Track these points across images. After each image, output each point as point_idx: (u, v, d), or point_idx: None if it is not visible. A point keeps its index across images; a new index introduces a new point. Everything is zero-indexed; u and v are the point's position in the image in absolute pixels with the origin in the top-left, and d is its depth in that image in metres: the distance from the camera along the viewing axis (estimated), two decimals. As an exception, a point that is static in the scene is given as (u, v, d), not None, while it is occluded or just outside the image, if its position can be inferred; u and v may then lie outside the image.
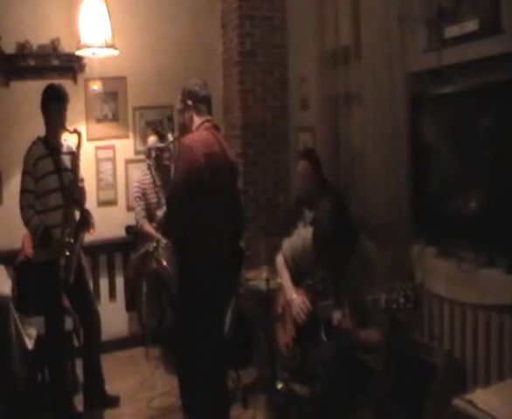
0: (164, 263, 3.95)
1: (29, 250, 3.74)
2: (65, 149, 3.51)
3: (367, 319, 2.58)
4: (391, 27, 3.13)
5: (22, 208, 3.33)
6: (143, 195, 4.32)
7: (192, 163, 2.80)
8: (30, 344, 3.41)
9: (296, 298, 2.83)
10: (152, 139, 4.33)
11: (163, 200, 3.95)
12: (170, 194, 2.94)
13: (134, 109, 4.71)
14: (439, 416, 2.67)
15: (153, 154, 4.19)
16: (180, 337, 3.11)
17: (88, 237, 3.66)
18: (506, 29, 2.52)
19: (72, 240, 3.36)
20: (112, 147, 4.66)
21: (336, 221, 2.60)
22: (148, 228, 4.22)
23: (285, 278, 2.98)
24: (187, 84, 3.03)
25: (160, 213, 4.05)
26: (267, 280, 3.50)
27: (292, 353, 2.87)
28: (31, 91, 4.06)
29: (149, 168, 4.25)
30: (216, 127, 3.05)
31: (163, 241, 3.94)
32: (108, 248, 4.62)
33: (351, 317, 2.52)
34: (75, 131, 3.43)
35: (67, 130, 3.44)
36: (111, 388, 3.75)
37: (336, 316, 2.54)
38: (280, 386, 3.06)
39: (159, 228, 4.03)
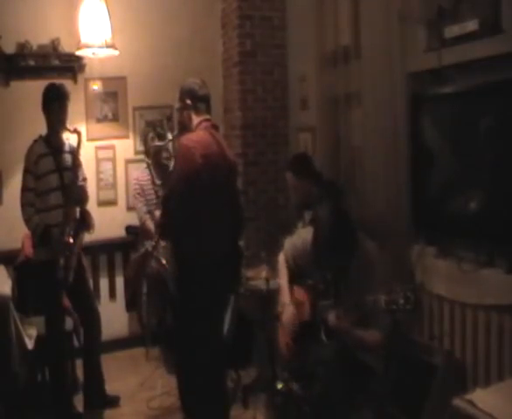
0: (164, 262, 3.94)
1: (29, 250, 3.74)
2: (66, 148, 3.51)
3: (368, 319, 2.58)
4: (391, 27, 3.13)
5: (22, 206, 3.34)
6: (142, 192, 4.32)
7: (190, 164, 2.79)
8: (30, 344, 3.41)
9: (287, 309, 2.84)
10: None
11: (163, 199, 3.95)
12: (167, 194, 2.93)
13: (134, 109, 4.71)
14: (439, 416, 2.66)
15: (151, 152, 4.19)
16: (180, 337, 3.11)
17: (88, 237, 3.66)
18: (506, 29, 2.52)
19: (71, 240, 3.36)
20: (112, 147, 4.66)
21: (336, 227, 2.61)
22: (151, 225, 4.21)
23: (283, 278, 2.99)
24: (185, 83, 3.03)
25: (158, 213, 4.06)
26: (267, 280, 3.50)
27: (292, 353, 2.87)
28: (31, 91, 4.05)
29: (148, 166, 4.25)
30: (215, 127, 3.05)
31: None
32: (108, 248, 4.62)
33: (347, 317, 2.52)
34: (75, 130, 3.43)
35: (68, 129, 3.44)
36: (111, 388, 3.75)
37: (331, 317, 2.55)
38: (280, 386, 3.06)
39: (157, 229, 4.02)
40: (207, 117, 3.01)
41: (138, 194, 4.34)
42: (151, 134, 4.34)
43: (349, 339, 2.59)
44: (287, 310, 2.86)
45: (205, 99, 3.01)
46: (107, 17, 4.07)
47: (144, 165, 4.35)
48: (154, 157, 4.21)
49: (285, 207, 4.63)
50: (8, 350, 3.25)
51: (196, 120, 2.98)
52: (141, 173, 4.37)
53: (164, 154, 4.17)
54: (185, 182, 2.80)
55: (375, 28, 3.24)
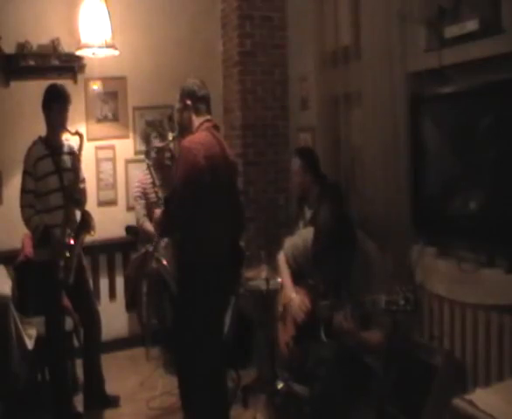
0: (164, 262, 3.95)
1: (29, 250, 3.74)
2: (66, 149, 3.50)
3: (368, 319, 2.58)
4: (391, 27, 3.13)
5: (22, 207, 3.34)
6: (144, 194, 4.33)
7: (193, 165, 2.79)
8: (30, 344, 3.41)
9: (295, 298, 2.83)
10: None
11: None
12: (170, 195, 2.93)
13: (135, 109, 4.71)
14: (439, 416, 2.67)
15: (152, 153, 4.19)
16: (180, 337, 3.11)
17: (88, 237, 3.66)
18: (506, 29, 2.52)
19: (72, 241, 3.36)
20: (112, 147, 4.66)
21: (337, 228, 2.61)
22: (149, 227, 4.22)
23: (285, 276, 2.99)
24: (185, 83, 3.03)
25: (158, 211, 4.05)
26: (267, 280, 3.50)
27: (292, 352, 2.87)
28: (31, 91, 4.06)
29: (149, 168, 4.25)
30: (216, 127, 3.05)
31: (163, 240, 3.94)
32: (108, 248, 4.62)
33: (352, 317, 2.52)
34: (77, 133, 3.42)
35: (69, 131, 3.44)
36: (111, 388, 3.74)
37: (337, 318, 2.54)
38: (280, 386, 3.06)
39: (156, 227, 4.03)
40: (208, 117, 3.00)
41: (138, 196, 4.36)
42: (154, 134, 4.34)
43: (354, 340, 2.58)
44: (295, 299, 2.83)
45: (205, 100, 3.01)
46: (107, 17, 4.08)
47: (144, 166, 4.36)
48: (156, 158, 4.21)
49: (285, 207, 4.63)
50: (8, 350, 3.25)
51: (196, 120, 2.98)
52: (143, 175, 4.37)
53: (166, 155, 4.17)
54: (188, 183, 2.79)
55: (375, 28, 3.24)
